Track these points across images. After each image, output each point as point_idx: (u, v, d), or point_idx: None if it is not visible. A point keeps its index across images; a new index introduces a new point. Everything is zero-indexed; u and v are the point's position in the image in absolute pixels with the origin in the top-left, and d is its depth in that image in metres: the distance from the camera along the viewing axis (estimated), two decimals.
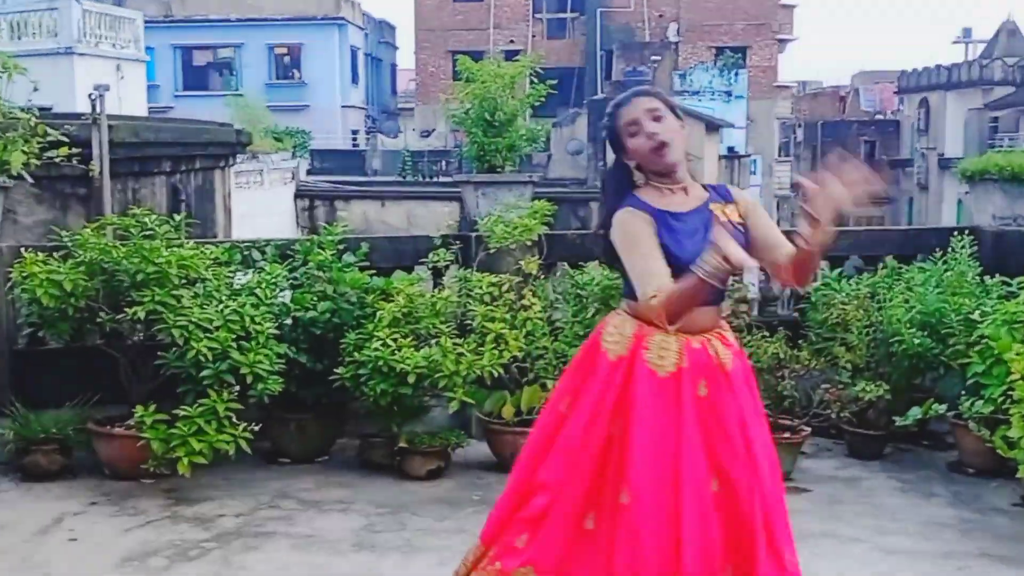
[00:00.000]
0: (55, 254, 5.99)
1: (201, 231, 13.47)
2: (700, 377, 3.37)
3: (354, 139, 42.44)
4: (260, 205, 20.07)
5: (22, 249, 6.08)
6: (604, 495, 3.41)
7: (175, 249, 5.88)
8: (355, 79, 44.83)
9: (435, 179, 30.67)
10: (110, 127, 10.43)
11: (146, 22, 26.07)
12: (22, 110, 6.16)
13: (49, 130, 6.28)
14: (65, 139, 6.31)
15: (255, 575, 4.68)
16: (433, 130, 42.88)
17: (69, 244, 6.01)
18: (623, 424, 3.37)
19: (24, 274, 5.76)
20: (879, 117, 52.99)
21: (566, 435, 3.48)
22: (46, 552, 4.92)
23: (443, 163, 34.19)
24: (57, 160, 6.27)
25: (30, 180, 6.42)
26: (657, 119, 3.44)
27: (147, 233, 5.97)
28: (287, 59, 42.81)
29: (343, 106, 42.83)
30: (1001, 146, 31.08)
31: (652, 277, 3.27)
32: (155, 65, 37.15)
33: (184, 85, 41.65)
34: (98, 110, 8.78)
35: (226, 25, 41.75)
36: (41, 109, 8.44)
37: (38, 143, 6.18)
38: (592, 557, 3.42)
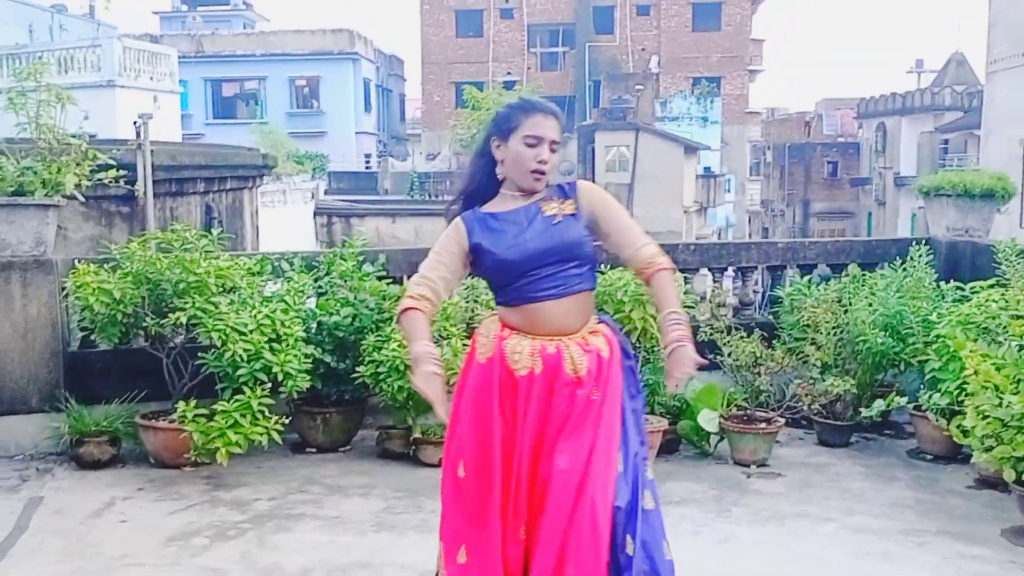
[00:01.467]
0: (104, 266, 6.02)
1: (232, 245, 13.52)
2: (550, 383, 3.21)
3: (367, 162, 42.48)
4: (283, 221, 20.16)
5: (75, 261, 6.11)
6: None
7: (213, 261, 5.92)
8: (367, 108, 44.88)
9: (440, 197, 30.72)
10: (151, 151, 10.49)
11: (180, 57, 26.13)
12: (74, 136, 6.20)
13: (99, 154, 6.32)
14: (113, 162, 6.36)
15: (287, 553, 4.68)
16: (438, 153, 42.95)
17: (117, 256, 6.05)
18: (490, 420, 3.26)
19: (78, 284, 5.80)
20: (841, 140, 52.94)
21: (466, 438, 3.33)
22: (99, 533, 4.94)
23: (447, 183, 34.24)
24: (106, 182, 6.32)
25: (82, 199, 6.46)
26: (554, 150, 3.31)
27: (187, 247, 6.01)
28: (306, 90, 42.82)
29: (357, 132, 42.86)
30: (951, 165, 31.08)
31: (422, 278, 3.31)
32: (188, 96, 37.27)
33: (214, 114, 41.78)
34: (142, 136, 8.78)
35: (252, 60, 42.02)
36: (88, 136, 8.51)
37: (88, 166, 6.22)
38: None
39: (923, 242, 7.47)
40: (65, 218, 10.08)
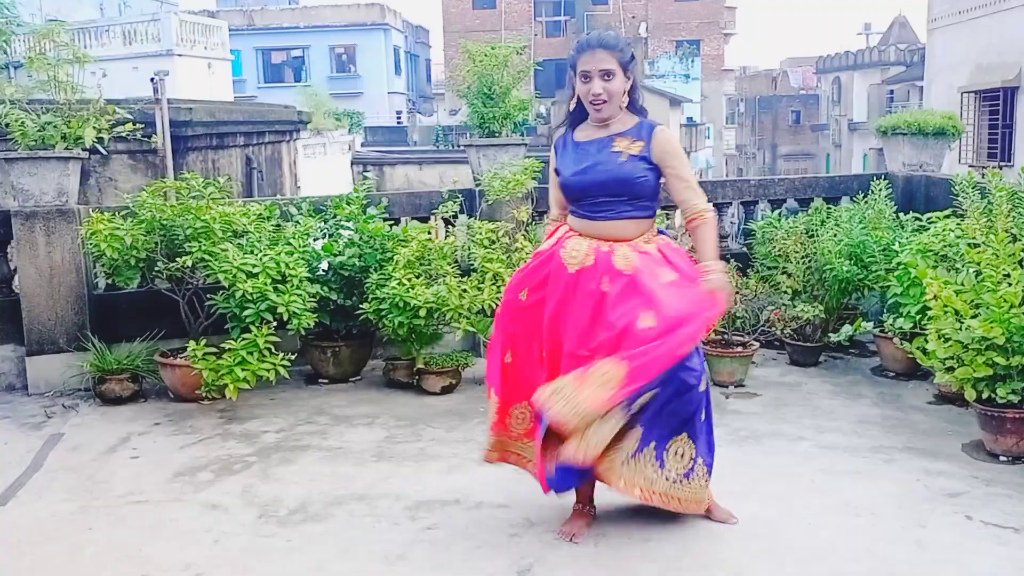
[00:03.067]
0: (118, 214, 5.34)
1: (271, 192, 12.89)
2: (601, 273, 3.19)
3: (398, 118, 41.71)
4: (324, 171, 19.53)
5: (91, 210, 5.45)
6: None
7: (220, 207, 5.23)
8: (398, 71, 44.11)
9: (460, 147, 29.95)
10: (190, 109, 9.78)
11: (233, 29, 25.29)
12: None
13: (117, 109, 5.62)
14: (130, 117, 5.65)
15: (287, 485, 4.08)
16: (459, 109, 42.03)
17: (131, 205, 5.37)
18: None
19: (91, 231, 5.13)
20: (802, 92, 51.80)
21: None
22: (109, 469, 4.33)
23: (466, 134, 33.37)
24: (125, 135, 5.63)
25: (104, 152, 5.77)
26: (607, 77, 3.18)
27: (195, 194, 5.32)
28: (344, 57, 41.98)
29: (389, 92, 42.09)
30: (895, 112, 30.23)
31: (552, 203, 3.48)
32: (242, 63, 36.52)
33: (265, 79, 40.89)
34: (159, 92, 8.03)
35: (296, 31, 41.17)
36: (140, 100, 7.81)
37: (107, 121, 5.53)
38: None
39: (882, 177, 6.93)
40: (115, 171, 9.47)
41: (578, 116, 3.33)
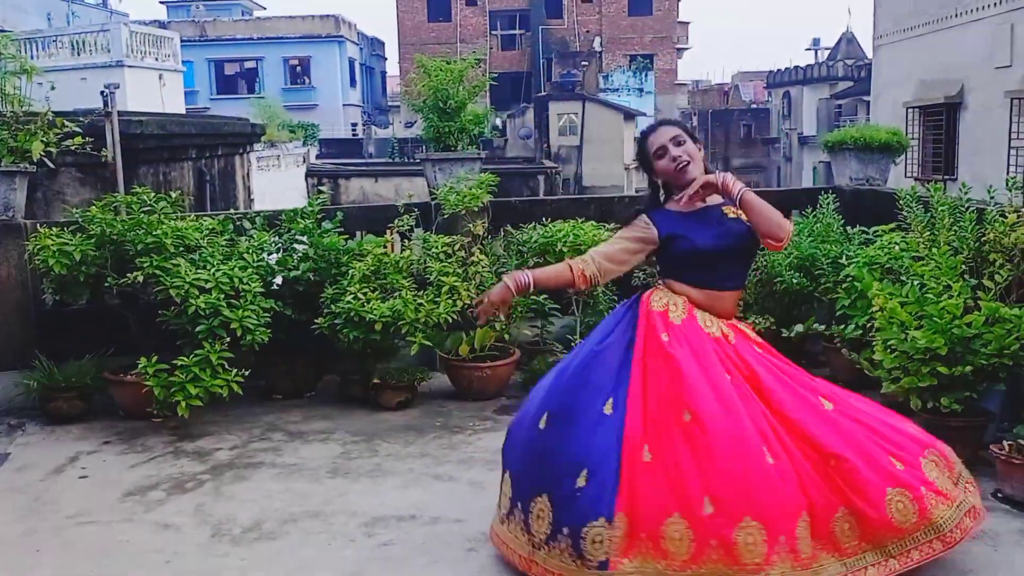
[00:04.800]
0: (67, 228, 5.24)
1: (225, 206, 12.73)
2: (743, 344, 3.20)
3: (353, 130, 41.54)
4: (278, 184, 19.33)
5: (38, 225, 5.33)
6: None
7: (171, 222, 5.15)
8: (353, 83, 43.91)
9: (416, 160, 29.90)
10: (141, 122, 9.64)
11: (185, 40, 24.96)
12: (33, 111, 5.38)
13: (66, 122, 5.52)
14: (78, 130, 5.55)
15: (241, 503, 4.03)
16: (415, 122, 41.94)
17: (80, 220, 5.27)
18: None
19: (38, 247, 5.02)
20: (754, 106, 52.47)
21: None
22: (57, 490, 4.25)
23: (423, 147, 33.31)
24: (74, 148, 5.52)
25: (51, 165, 5.66)
26: (679, 144, 3.24)
27: (146, 209, 5.23)
28: (298, 68, 41.68)
29: (344, 105, 41.87)
30: (843, 126, 30.81)
31: (589, 255, 3.28)
32: (194, 75, 36.02)
33: (217, 90, 40.43)
34: (109, 105, 7.91)
35: (249, 43, 40.75)
36: (89, 112, 7.66)
37: (55, 134, 5.42)
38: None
39: (830, 191, 7.01)
40: (63, 184, 9.28)
41: (655, 199, 3.37)
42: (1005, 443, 4.05)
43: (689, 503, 2.79)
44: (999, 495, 3.98)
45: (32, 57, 18.09)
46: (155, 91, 19.82)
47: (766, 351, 3.28)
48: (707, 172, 3.27)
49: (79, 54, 18.96)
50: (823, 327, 6.00)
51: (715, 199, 3.28)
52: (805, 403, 3.10)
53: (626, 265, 3.27)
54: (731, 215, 3.23)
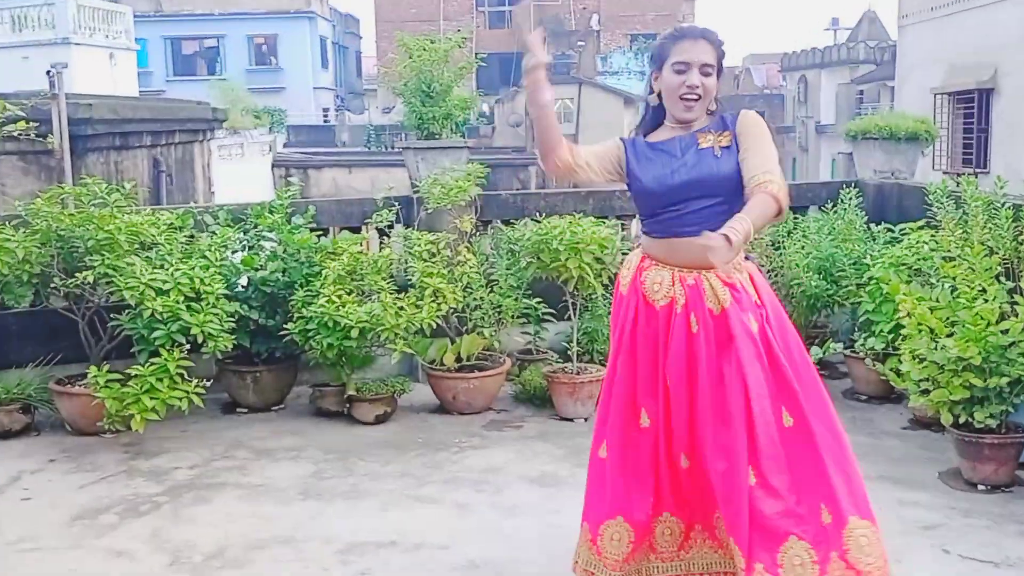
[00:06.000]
0: (9, 223, 5.22)
1: (182, 198, 12.71)
2: (691, 312, 2.89)
3: (325, 116, 41.50)
4: (241, 174, 19.28)
5: None
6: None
7: (125, 216, 5.15)
8: (324, 64, 43.83)
9: (396, 149, 29.91)
10: (90, 105, 9.62)
11: (139, 16, 24.89)
12: None
13: (8, 106, 5.51)
14: (22, 114, 5.54)
15: (202, 527, 4.02)
16: (393, 107, 41.98)
17: (23, 213, 5.25)
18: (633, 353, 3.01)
19: None
20: (766, 91, 52.78)
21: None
22: None
23: (403, 135, 33.34)
24: (16, 134, 5.51)
25: None
26: (706, 74, 2.94)
27: (97, 202, 5.23)
28: (264, 48, 41.59)
29: (315, 88, 41.78)
30: (866, 114, 30.94)
31: (582, 150, 3.04)
32: (148, 54, 35.92)
33: (174, 71, 40.26)
34: (56, 87, 7.89)
35: (210, 18, 40.54)
36: (33, 94, 7.64)
37: None
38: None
39: (852, 185, 7.05)
40: (4, 173, 9.25)
41: (652, 120, 3.09)
42: None
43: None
44: None
45: None
46: (105, 72, 19.77)
47: (740, 311, 2.89)
48: (710, 109, 2.99)
49: (20, 30, 18.90)
50: (842, 345, 6.02)
51: (699, 124, 3.00)
52: (729, 408, 2.85)
53: (590, 171, 3.04)
54: (705, 144, 2.94)
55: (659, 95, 3.01)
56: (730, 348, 2.83)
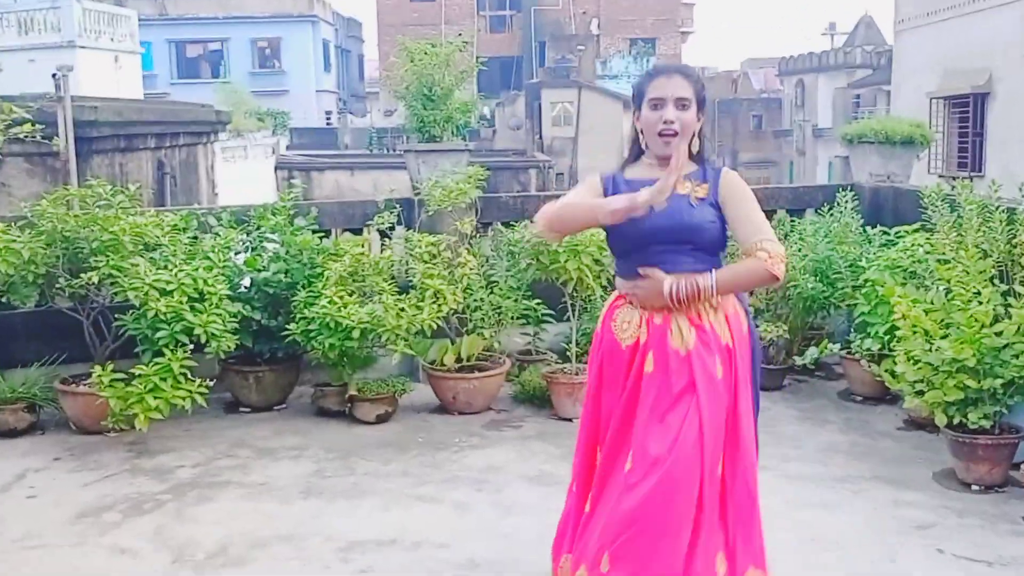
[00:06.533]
0: (15, 224, 5.22)
1: (186, 200, 12.72)
2: (649, 351, 2.88)
3: (328, 119, 41.46)
4: (244, 176, 19.33)
5: None
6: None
7: (130, 218, 5.15)
8: (327, 68, 43.80)
9: (397, 151, 29.91)
10: (95, 108, 9.62)
11: (144, 19, 24.88)
12: None
13: (15, 108, 5.51)
14: (28, 116, 5.55)
15: (205, 526, 4.02)
16: (395, 110, 41.96)
17: (29, 215, 5.26)
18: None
19: None
20: (764, 96, 52.70)
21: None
22: (2, 511, 4.21)
23: (404, 138, 33.31)
24: (22, 136, 5.52)
25: None
26: (682, 107, 2.89)
27: (102, 203, 5.23)
28: (268, 51, 41.55)
29: (317, 91, 41.72)
30: (863, 117, 31.00)
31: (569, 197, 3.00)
32: (153, 57, 35.90)
33: (179, 74, 40.24)
34: (62, 89, 7.89)
35: (214, 22, 40.52)
36: (39, 96, 7.65)
37: (2, 120, 5.42)
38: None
39: (848, 188, 7.06)
40: (10, 175, 9.26)
41: (633, 155, 3.05)
42: None
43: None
44: None
45: None
46: (110, 74, 19.76)
47: (706, 353, 2.86)
48: (700, 145, 2.97)
49: (26, 33, 18.89)
50: (838, 347, 6.03)
51: (687, 165, 2.90)
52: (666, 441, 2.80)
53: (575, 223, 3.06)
54: (682, 191, 2.87)
55: (640, 132, 2.98)
56: (691, 390, 2.82)
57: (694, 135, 2.95)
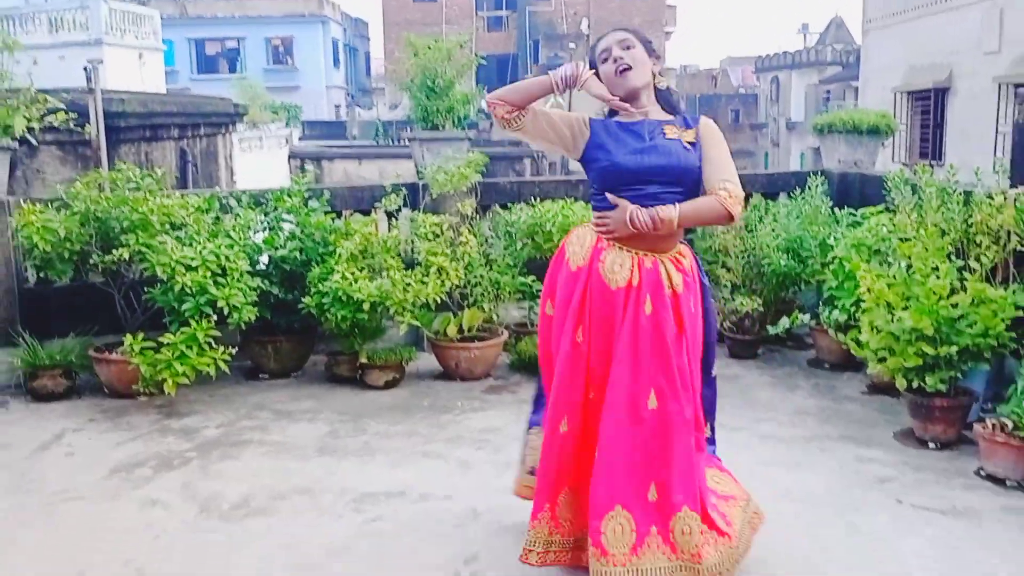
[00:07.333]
0: (51, 205, 5.23)
1: (207, 186, 12.67)
2: (646, 294, 2.83)
3: (337, 112, 41.28)
4: (260, 165, 19.24)
5: (22, 201, 5.31)
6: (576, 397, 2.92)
7: (157, 199, 5.15)
8: (336, 64, 43.63)
9: (402, 142, 29.78)
10: (123, 100, 9.58)
11: (166, 19, 24.70)
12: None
13: (49, 98, 5.50)
14: (62, 106, 5.53)
15: (229, 481, 4.06)
16: (399, 104, 41.81)
17: (64, 196, 5.26)
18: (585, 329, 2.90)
19: (23, 223, 5.01)
20: (742, 91, 52.59)
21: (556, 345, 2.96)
22: (43, 467, 4.26)
23: (409, 128, 33.13)
24: (58, 125, 5.50)
25: (35, 141, 5.64)
26: (627, 48, 2.92)
27: (131, 186, 5.23)
28: (281, 49, 41.39)
29: (327, 86, 41.64)
30: (832, 111, 30.99)
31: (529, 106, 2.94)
32: (174, 54, 35.70)
33: (198, 70, 40.09)
34: (92, 81, 7.86)
35: (231, 22, 40.48)
36: (71, 89, 7.60)
37: (38, 110, 5.40)
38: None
39: (818, 174, 7.06)
40: (43, 163, 9.23)
41: (611, 113, 3.01)
42: (988, 422, 4.14)
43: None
44: (982, 473, 4.08)
45: (9, 34, 17.88)
46: (135, 70, 19.66)
47: (689, 294, 2.90)
48: (656, 87, 2.96)
49: (57, 31, 18.77)
50: (808, 316, 6.07)
51: (658, 113, 2.94)
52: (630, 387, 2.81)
53: (545, 133, 2.94)
54: (672, 135, 2.86)
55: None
56: (683, 329, 2.85)
57: (654, 75, 2.96)
